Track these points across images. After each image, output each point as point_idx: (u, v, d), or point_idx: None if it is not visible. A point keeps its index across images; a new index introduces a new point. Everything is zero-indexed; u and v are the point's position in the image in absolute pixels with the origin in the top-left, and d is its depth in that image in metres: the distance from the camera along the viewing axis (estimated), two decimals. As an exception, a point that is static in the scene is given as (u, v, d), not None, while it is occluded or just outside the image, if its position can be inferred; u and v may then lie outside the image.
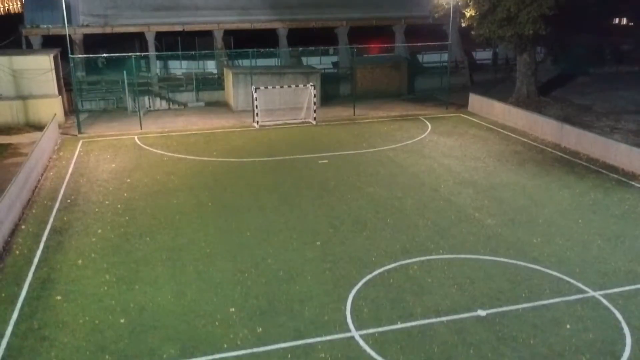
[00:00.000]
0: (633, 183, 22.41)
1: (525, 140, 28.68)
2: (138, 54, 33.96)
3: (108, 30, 38.40)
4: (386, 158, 25.83)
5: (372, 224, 18.73)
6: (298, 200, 20.83)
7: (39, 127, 31.32)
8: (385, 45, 44.73)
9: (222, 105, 37.95)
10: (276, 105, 34.74)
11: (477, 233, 17.95)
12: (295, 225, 18.67)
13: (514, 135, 29.52)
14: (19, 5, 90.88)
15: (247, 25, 40.70)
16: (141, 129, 31.23)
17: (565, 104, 37.05)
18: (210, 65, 42.70)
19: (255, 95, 31.45)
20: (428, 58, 46.30)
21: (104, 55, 34.08)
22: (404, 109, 36.22)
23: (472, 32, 34.65)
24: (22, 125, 31.61)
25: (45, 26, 37.67)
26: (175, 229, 18.45)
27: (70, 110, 34.93)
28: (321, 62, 44.82)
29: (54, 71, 31.87)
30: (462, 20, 34.23)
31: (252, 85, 32.78)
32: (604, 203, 20.40)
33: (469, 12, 33.14)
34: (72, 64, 30.01)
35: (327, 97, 38.59)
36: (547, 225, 18.53)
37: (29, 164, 22.01)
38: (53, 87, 32.11)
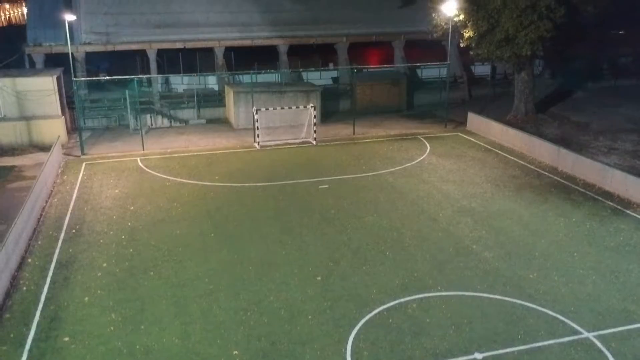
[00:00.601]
0: (628, 212, 22.78)
1: (523, 163, 29.05)
2: (140, 76, 34.24)
3: (110, 48, 38.75)
4: (385, 183, 26.21)
5: (372, 256, 19.11)
6: (299, 230, 21.21)
7: (42, 148, 31.76)
8: (385, 66, 45.26)
9: (223, 123, 38.32)
10: (277, 123, 35.12)
11: (474, 267, 18.33)
12: (296, 258, 19.04)
13: (511, 158, 29.89)
14: (19, 13, 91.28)
15: (247, 42, 41.07)
16: (143, 149, 31.59)
17: (562, 121, 37.46)
18: (211, 80, 43.07)
19: (256, 116, 31.82)
20: (427, 72, 46.67)
21: (107, 77, 34.41)
22: (403, 127, 36.61)
23: (471, 52, 35.06)
24: (26, 145, 32.00)
25: (47, 44, 38.00)
26: (178, 263, 18.83)
27: (73, 127, 35.32)
28: (321, 77, 45.19)
29: (57, 92, 32.18)
30: (461, 41, 34.57)
31: (253, 106, 33.16)
32: (600, 234, 20.78)
33: (468, 33, 33.48)
34: (75, 87, 30.37)
35: (327, 114, 38.98)
36: (544, 259, 18.91)
37: (35, 192, 22.36)
38: (56, 107, 32.48)
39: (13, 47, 45.71)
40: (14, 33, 61.94)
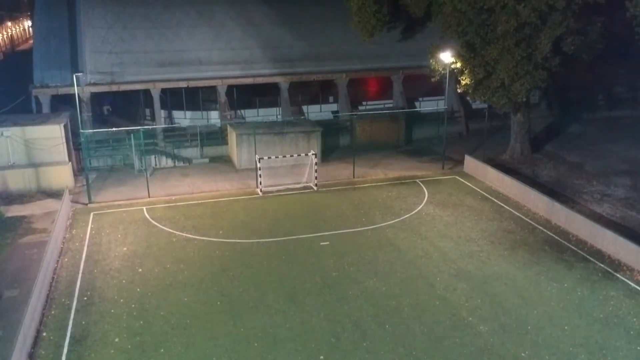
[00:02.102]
0: (618, 275, 23.68)
1: (518, 214, 29.93)
2: (146, 127, 35.10)
3: (114, 88, 39.52)
4: (384, 239, 27.08)
5: (372, 330, 20.00)
6: (301, 298, 22.08)
7: (50, 194, 32.67)
8: (384, 101, 46.34)
9: (226, 161, 39.22)
10: (278, 163, 35.87)
11: (469, 344, 19.22)
12: (300, 332, 19.92)
13: (507, 208, 30.77)
14: (20, 29, 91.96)
15: (249, 80, 41.89)
16: (149, 196, 32.42)
17: (557, 161, 38.35)
18: (214, 115, 43.95)
19: (259, 165, 32.70)
20: (425, 104, 47.62)
21: (114, 129, 35.30)
22: (401, 168, 37.48)
23: (468, 98, 35.94)
24: (34, 192, 32.81)
25: (54, 85, 38.79)
26: (187, 337, 19.69)
27: (79, 169, 36.10)
28: (321, 110, 46.20)
29: (64, 140, 33.03)
30: (458, 87, 35.45)
31: (255, 151, 34.11)
32: (590, 303, 21.68)
33: (465, 80, 34.35)
34: (82, 138, 31.28)
35: (328, 150, 39.93)
36: (536, 333, 19.81)
37: (47, 257, 23.20)
38: (63, 154, 33.31)
39: (20, 75, 46.71)
40: (19, 60, 62.86)
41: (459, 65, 34.40)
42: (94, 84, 39.03)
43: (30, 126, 32.74)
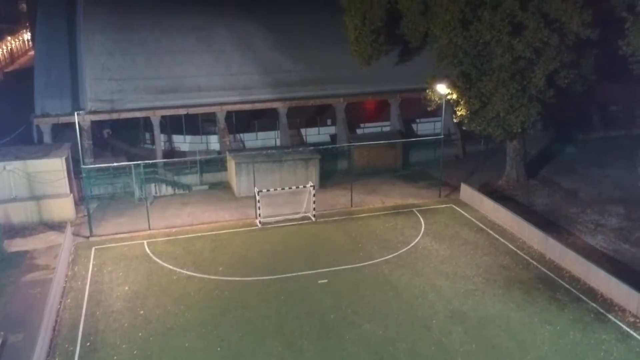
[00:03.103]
0: (610, 316, 24.15)
1: (513, 247, 30.40)
2: (146, 161, 35.56)
3: (115, 116, 39.94)
4: (382, 277, 27.55)
5: (369, 379, 20.52)
6: (300, 343, 22.55)
7: (51, 226, 33.16)
8: (381, 123, 46.92)
9: (225, 187, 39.73)
10: (277, 190, 36.26)
11: (464, 394, 19.75)
12: (298, 381, 20.45)
13: (502, 240, 31.23)
14: (20, 42, 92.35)
15: (248, 106, 42.35)
16: (149, 228, 32.89)
17: (552, 188, 38.80)
18: (213, 139, 44.45)
19: (258, 197, 33.18)
20: (422, 127, 48.15)
21: (114, 164, 35.77)
22: (398, 195, 37.97)
23: (464, 127, 36.44)
24: (36, 224, 33.27)
25: (55, 114, 39.23)
26: (188, 387, 20.21)
27: (80, 197, 36.51)
28: (319, 133, 46.73)
29: (65, 174, 33.51)
30: (454, 117, 35.95)
31: (254, 185, 34.69)
32: (582, 347, 22.15)
33: (460, 111, 34.83)
34: (84, 174, 31.76)
35: (326, 174, 40.40)
36: (528, 382, 20.35)
37: (50, 300, 23.68)
38: (65, 187, 33.79)
39: (20, 98, 47.21)
40: (18, 78, 63.29)
41: (454, 96, 34.85)
42: (95, 112, 39.43)
43: (32, 160, 33.19)
